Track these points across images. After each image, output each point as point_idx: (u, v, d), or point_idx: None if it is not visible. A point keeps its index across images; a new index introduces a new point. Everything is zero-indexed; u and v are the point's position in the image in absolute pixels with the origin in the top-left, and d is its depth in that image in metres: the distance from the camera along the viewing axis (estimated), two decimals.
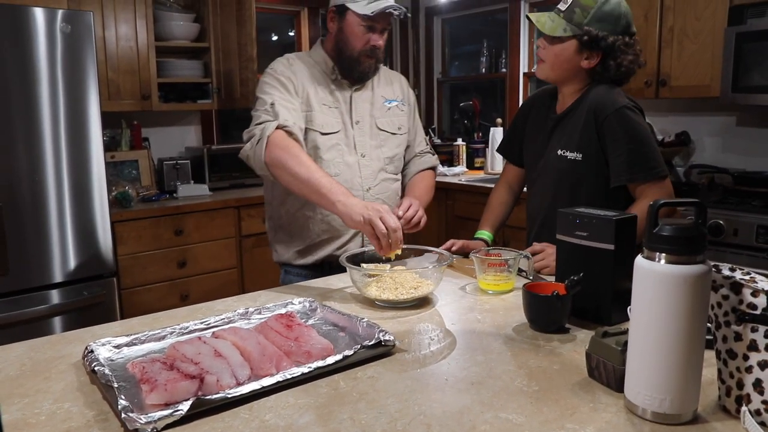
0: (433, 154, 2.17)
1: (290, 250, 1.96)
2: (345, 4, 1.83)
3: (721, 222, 2.64)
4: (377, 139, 1.96)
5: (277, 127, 1.72)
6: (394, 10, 1.82)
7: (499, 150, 2.11)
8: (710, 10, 2.90)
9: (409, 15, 1.76)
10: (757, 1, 2.74)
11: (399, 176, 2.06)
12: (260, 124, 1.75)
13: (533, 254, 1.67)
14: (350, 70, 1.91)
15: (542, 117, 1.88)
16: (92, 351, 1.12)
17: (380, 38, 1.88)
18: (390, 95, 2.03)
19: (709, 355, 0.94)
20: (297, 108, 1.83)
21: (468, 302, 1.48)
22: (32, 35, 2.59)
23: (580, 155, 1.71)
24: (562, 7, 1.71)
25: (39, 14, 2.61)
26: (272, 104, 1.77)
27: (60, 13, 2.67)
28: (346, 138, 1.91)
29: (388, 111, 2.01)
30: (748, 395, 0.88)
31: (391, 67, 5.24)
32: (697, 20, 2.96)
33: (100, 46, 3.26)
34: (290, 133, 1.74)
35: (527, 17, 1.81)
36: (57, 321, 2.77)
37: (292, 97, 1.84)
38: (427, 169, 2.11)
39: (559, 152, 1.77)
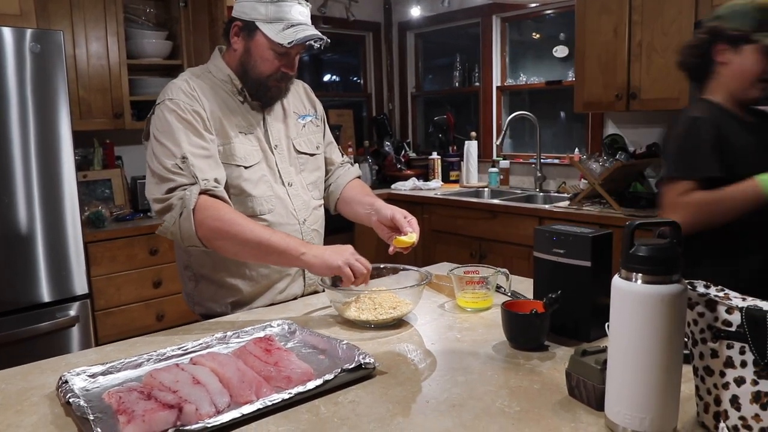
0: (353, 164, 1.97)
1: (221, 304, 1.67)
2: (255, 23, 1.59)
3: None
4: (296, 163, 1.76)
5: (200, 193, 1.48)
6: (314, 41, 1.58)
7: (703, 172, 1.74)
8: (676, 26, 2.96)
9: (328, 41, 1.61)
10: None
11: (322, 201, 1.86)
12: (175, 189, 1.50)
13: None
14: (257, 94, 1.68)
15: (736, 129, 1.79)
16: (67, 381, 1.09)
17: (294, 65, 1.65)
18: (301, 109, 1.83)
19: (686, 370, 0.95)
20: (213, 152, 1.57)
21: (447, 321, 1.48)
22: (0, 56, 2.55)
23: None
24: None
25: (7, 34, 2.56)
26: (184, 158, 1.51)
27: (29, 32, 2.63)
28: (269, 168, 1.68)
29: (303, 129, 1.80)
30: (726, 411, 0.89)
31: (365, 84, 5.25)
32: (664, 35, 3.02)
33: (70, 65, 3.22)
34: (215, 196, 1.51)
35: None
36: (29, 345, 2.70)
37: (204, 138, 1.56)
38: (356, 178, 1.93)
39: None
